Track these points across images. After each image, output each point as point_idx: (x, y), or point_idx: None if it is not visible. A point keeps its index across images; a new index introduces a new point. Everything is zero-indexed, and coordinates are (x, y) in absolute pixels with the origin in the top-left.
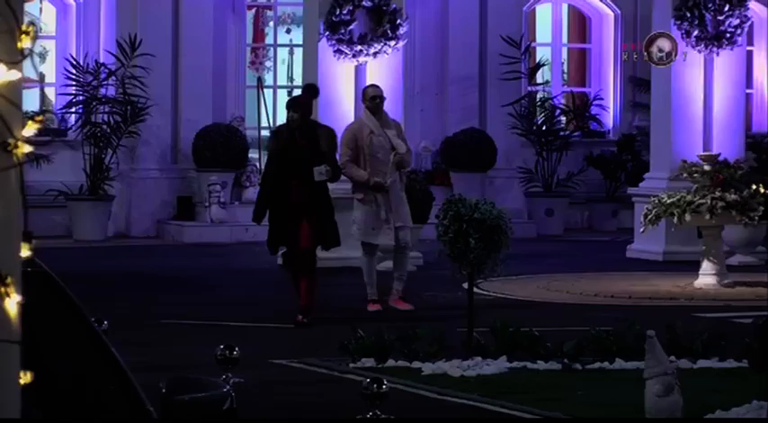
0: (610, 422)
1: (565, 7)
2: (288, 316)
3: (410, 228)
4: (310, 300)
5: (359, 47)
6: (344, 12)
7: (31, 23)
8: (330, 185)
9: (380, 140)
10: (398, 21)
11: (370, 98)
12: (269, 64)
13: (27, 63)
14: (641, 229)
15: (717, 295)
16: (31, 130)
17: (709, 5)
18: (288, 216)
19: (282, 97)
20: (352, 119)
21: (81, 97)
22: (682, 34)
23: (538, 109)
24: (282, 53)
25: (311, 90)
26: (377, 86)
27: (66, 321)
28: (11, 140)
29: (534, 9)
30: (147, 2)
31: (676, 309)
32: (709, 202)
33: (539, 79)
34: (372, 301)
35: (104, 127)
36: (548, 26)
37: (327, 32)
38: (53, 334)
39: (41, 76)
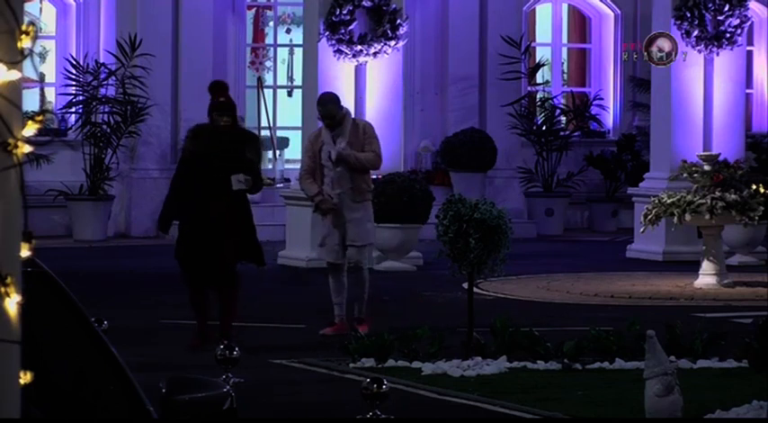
0: (610, 422)
1: (565, 7)
2: (288, 316)
3: (360, 246)
4: (231, 321)
5: (359, 47)
6: (344, 12)
7: (31, 23)
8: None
9: (333, 150)
10: (398, 21)
11: (320, 118)
12: (269, 64)
13: (27, 63)
14: (641, 229)
15: (717, 295)
16: (31, 130)
17: (709, 5)
18: (205, 231)
19: (282, 97)
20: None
21: (81, 97)
22: (682, 34)
23: (538, 109)
24: (282, 53)
25: (219, 88)
26: (326, 104)
27: (66, 321)
28: (11, 140)
29: (534, 9)
30: (147, 2)
31: (676, 309)
32: (709, 202)
33: (539, 79)
34: (330, 323)
35: (104, 127)
36: (548, 26)
37: (327, 32)
38: (53, 334)
39: (41, 76)
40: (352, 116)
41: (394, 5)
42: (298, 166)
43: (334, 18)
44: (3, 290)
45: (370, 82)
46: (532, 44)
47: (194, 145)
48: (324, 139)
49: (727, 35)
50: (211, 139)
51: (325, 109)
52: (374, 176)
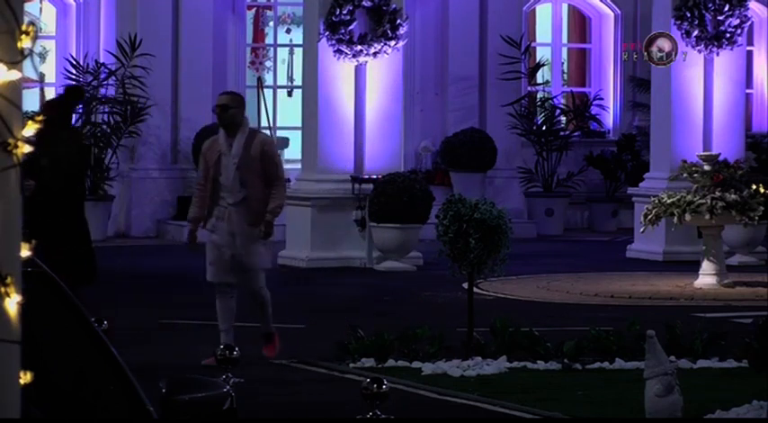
0: (610, 422)
1: (565, 7)
2: (288, 316)
3: (252, 271)
4: None
5: (359, 47)
6: (344, 12)
7: (31, 23)
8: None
9: (227, 161)
10: (398, 21)
11: (214, 107)
12: (269, 64)
13: (27, 63)
14: (641, 229)
15: (717, 295)
16: (30, 130)
17: (709, 5)
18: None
19: (282, 97)
20: (351, 120)
21: None
22: (682, 34)
23: (538, 109)
24: (282, 53)
25: (73, 94)
26: (227, 94)
27: (66, 321)
28: (11, 140)
29: (534, 9)
30: (147, 2)
31: (676, 309)
32: (709, 202)
33: (539, 79)
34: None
35: (104, 127)
36: (548, 26)
37: (327, 32)
38: (53, 334)
39: (41, 76)
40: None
41: (394, 5)
42: (298, 166)
43: (334, 18)
44: (3, 290)
45: (370, 82)
46: (532, 44)
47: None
48: (222, 147)
49: (727, 35)
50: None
51: (220, 97)
52: (374, 177)
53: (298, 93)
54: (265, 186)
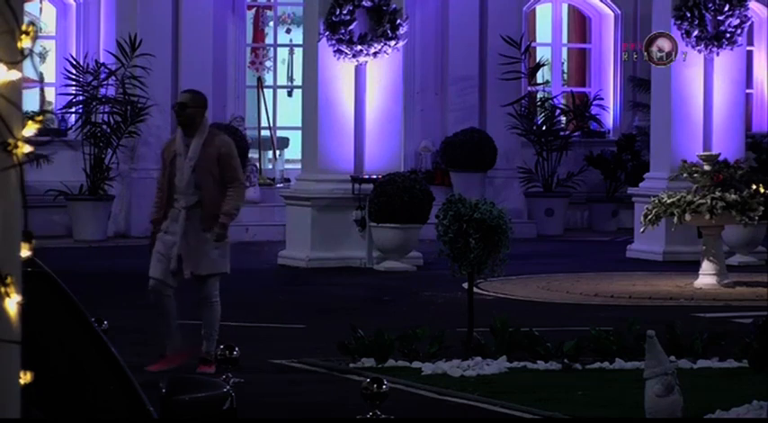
0: (610, 422)
1: (565, 7)
2: (288, 316)
3: (206, 276)
4: None
5: (359, 47)
6: (344, 12)
7: (31, 23)
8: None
9: (182, 162)
10: (398, 21)
11: (173, 105)
12: (269, 64)
13: (27, 63)
14: (641, 229)
15: (717, 295)
16: (31, 130)
17: (709, 5)
18: None
19: (283, 97)
20: (351, 120)
21: (81, 97)
22: (682, 34)
23: (538, 109)
24: (282, 53)
25: None
26: (188, 92)
27: (66, 321)
28: (11, 140)
29: (534, 9)
30: (147, 2)
31: (676, 309)
32: (709, 202)
33: (539, 79)
34: (160, 357)
35: (104, 127)
36: (548, 26)
37: (327, 32)
38: (53, 334)
39: (41, 76)
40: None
41: (394, 5)
42: (298, 165)
43: (334, 18)
44: (3, 290)
45: (370, 82)
46: (532, 44)
47: None
48: (178, 148)
49: (727, 35)
50: None
51: (182, 94)
52: (374, 177)
53: (298, 93)
54: (223, 190)
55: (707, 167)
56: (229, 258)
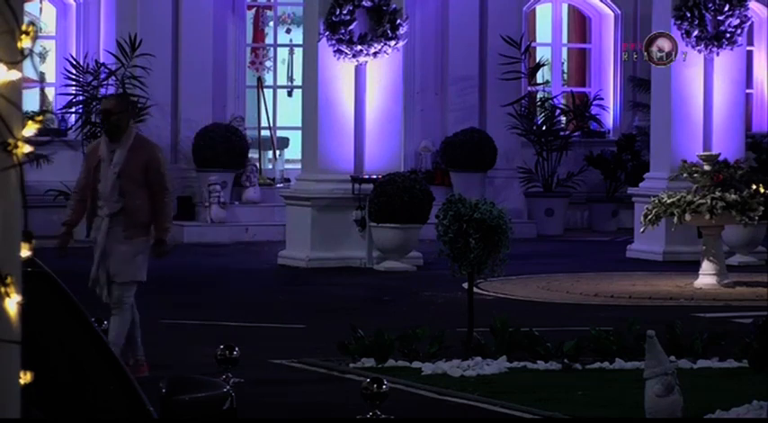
0: (610, 422)
1: (565, 7)
2: (288, 316)
3: (121, 283)
4: None
5: (359, 47)
6: (344, 12)
7: (31, 23)
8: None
9: (106, 169)
10: (398, 21)
11: (98, 112)
12: (269, 64)
13: (27, 63)
14: (641, 229)
15: (717, 295)
16: (31, 130)
17: (709, 5)
18: None
19: (283, 97)
20: (351, 120)
21: (81, 97)
22: (682, 34)
23: (538, 109)
24: (282, 53)
25: None
26: (110, 98)
27: (66, 321)
28: (11, 140)
29: (534, 9)
30: (147, 2)
31: (676, 309)
32: (709, 202)
33: (539, 79)
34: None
35: None
36: (548, 26)
37: (327, 32)
38: (53, 334)
39: (41, 76)
40: (353, 118)
41: (394, 5)
42: (298, 165)
43: (334, 18)
44: (3, 290)
45: (370, 82)
46: (532, 44)
47: None
48: (102, 154)
49: (727, 35)
50: None
51: (105, 101)
52: (374, 177)
53: (298, 93)
54: (149, 198)
55: (707, 167)
56: (146, 267)
